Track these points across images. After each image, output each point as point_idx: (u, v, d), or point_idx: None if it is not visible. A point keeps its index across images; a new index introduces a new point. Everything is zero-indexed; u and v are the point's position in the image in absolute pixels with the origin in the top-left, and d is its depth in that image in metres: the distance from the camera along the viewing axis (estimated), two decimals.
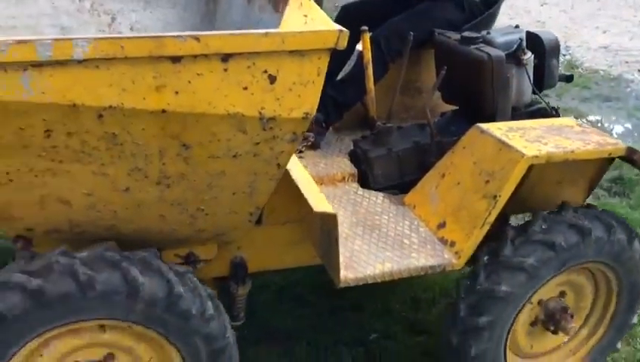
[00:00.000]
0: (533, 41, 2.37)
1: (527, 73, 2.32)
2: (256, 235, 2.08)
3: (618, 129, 4.68)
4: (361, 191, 2.30)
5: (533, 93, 2.42)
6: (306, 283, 2.81)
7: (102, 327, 1.67)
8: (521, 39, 2.30)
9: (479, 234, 1.89)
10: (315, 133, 2.45)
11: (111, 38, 1.28)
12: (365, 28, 2.25)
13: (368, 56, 2.27)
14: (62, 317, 1.59)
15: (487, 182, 1.90)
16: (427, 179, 2.17)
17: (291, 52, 1.42)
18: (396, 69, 2.52)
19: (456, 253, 1.92)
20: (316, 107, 1.53)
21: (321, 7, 1.67)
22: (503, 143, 1.91)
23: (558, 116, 2.43)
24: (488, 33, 2.34)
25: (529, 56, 2.33)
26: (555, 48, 2.39)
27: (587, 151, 1.92)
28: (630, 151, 2.00)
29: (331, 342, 2.53)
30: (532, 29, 2.45)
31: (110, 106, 1.34)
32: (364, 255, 1.92)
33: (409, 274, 1.88)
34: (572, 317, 2.14)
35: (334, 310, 2.70)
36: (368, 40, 2.27)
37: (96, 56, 1.27)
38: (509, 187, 1.86)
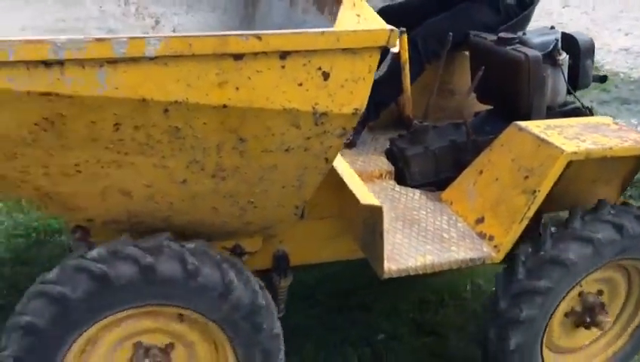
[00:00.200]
0: (569, 42, 2.42)
1: (563, 73, 2.37)
2: (298, 229, 2.15)
3: None
4: (398, 187, 2.37)
5: (568, 93, 2.46)
6: (317, 283, 2.86)
7: (180, 316, 1.76)
8: (556, 40, 2.35)
9: (518, 229, 1.94)
10: (353, 132, 2.52)
11: (180, 36, 1.36)
12: (403, 29, 2.31)
13: (406, 56, 2.34)
14: (157, 297, 1.68)
15: (527, 177, 1.95)
16: (464, 176, 2.23)
17: (344, 50, 1.49)
18: (431, 70, 2.59)
19: (495, 246, 1.98)
20: (365, 103, 1.60)
21: None
22: (542, 140, 1.97)
23: (592, 115, 2.47)
24: (524, 34, 2.40)
25: (564, 57, 2.38)
26: (590, 49, 2.44)
27: (625, 148, 1.96)
28: None
29: (339, 340, 2.56)
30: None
31: (176, 101, 1.42)
32: (405, 248, 1.98)
33: (449, 266, 1.94)
34: (607, 312, 2.18)
35: (343, 309, 2.72)
36: (406, 41, 2.34)
37: (166, 53, 1.35)
38: (548, 182, 1.91)
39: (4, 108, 1.33)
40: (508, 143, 2.10)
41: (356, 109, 1.59)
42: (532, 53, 2.26)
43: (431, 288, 2.85)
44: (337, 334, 2.59)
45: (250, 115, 1.52)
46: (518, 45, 2.34)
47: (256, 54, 1.43)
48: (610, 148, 1.93)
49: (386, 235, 2.03)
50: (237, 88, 1.46)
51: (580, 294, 2.14)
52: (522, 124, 2.10)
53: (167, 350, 1.79)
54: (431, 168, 2.41)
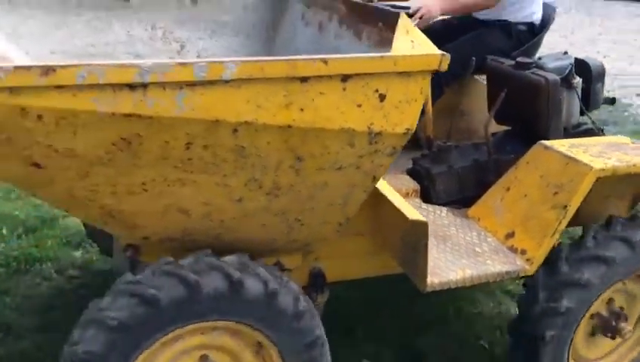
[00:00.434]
0: (581, 66, 2.56)
1: (577, 96, 2.51)
2: (333, 246, 2.22)
3: None
4: (424, 205, 2.45)
5: (581, 114, 2.60)
6: None
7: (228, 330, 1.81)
8: (571, 65, 2.49)
9: (550, 243, 2.04)
10: None
11: (254, 60, 1.43)
12: None
13: None
14: (204, 315, 1.73)
15: (556, 193, 2.06)
16: (490, 194, 2.33)
17: (400, 73, 1.59)
18: (450, 93, 2.71)
19: (527, 260, 2.07)
20: (416, 123, 1.69)
21: None
22: (570, 158, 2.08)
23: (604, 135, 2.60)
24: (540, 59, 2.53)
25: (578, 80, 2.52)
26: (601, 73, 2.58)
27: None
28: None
29: None
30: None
31: (245, 122, 1.50)
32: (442, 262, 2.06)
33: (487, 279, 2.02)
34: (627, 320, 2.28)
35: (326, 333, 2.75)
36: None
37: (241, 76, 1.42)
38: (578, 198, 2.01)
39: (86, 128, 1.39)
40: (534, 161, 2.20)
41: (407, 129, 1.68)
42: (551, 77, 2.39)
43: (415, 311, 2.86)
44: None
45: (311, 135, 1.59)
46: (535, 69, 2.47)
47: (320, 77, 1.51)
48: (634, 165, 2.05)
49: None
50: (301, 109, 1.53)
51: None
52: (547, 143, 2.21)
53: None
54: (455, 186, 2.51)
